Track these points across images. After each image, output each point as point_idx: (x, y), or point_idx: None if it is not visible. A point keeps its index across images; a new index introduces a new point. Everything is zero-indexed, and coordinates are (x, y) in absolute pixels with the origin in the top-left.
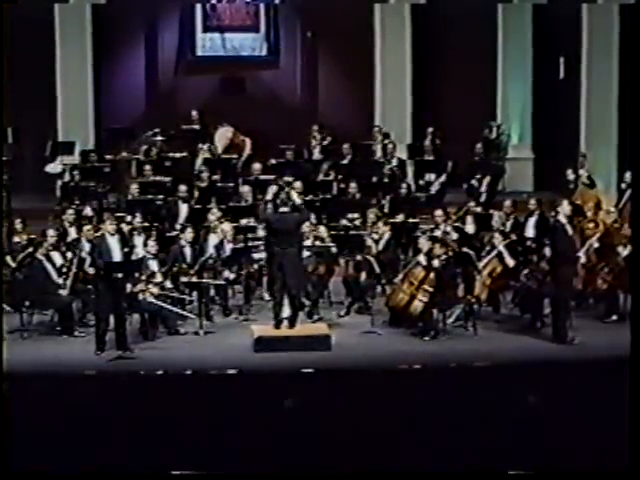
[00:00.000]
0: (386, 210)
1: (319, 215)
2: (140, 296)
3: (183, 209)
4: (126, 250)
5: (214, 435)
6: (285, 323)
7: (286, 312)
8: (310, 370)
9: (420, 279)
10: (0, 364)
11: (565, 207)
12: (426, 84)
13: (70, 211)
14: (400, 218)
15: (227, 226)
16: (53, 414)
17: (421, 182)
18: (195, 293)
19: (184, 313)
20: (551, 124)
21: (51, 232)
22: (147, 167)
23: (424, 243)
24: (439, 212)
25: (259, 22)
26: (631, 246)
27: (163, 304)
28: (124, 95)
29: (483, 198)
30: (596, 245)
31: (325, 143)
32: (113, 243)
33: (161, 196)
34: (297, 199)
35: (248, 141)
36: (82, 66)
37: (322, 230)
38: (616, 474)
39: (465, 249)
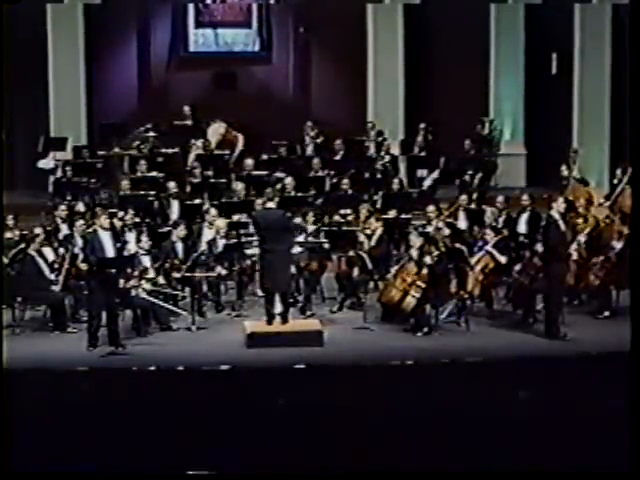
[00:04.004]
0: (378, 206)
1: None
2: (133, 292)
3: (174, 205)
4: (118, 246)
5: (207, 431)
6: (277, 319)
7: (278, 308)
8: (302, 366)
9: (413, 275)
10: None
11: (560, 204)
12: (419, 81)
13: (62, 207)
14: (392, 214)
15: (220, 222)
16: (45, 410)
17: (414, 178)
18: (188, 289)
19: (176, 309)
20: (543, 120)
21: (38, 229)
22: (142, 162)
23: (415, 239)
24: (431, 208)
25: (252, 18)
26: (631, 245)
27: (155, 300)
28: (117, 91)
29: (475, 194)
30: (583, 240)
31: (318, 141)
32: (106, 239)
33: (153, 192)
34: None
35: (240, 137)
36: (74, 62)
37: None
38: (612, 473)
39: (457, 245)
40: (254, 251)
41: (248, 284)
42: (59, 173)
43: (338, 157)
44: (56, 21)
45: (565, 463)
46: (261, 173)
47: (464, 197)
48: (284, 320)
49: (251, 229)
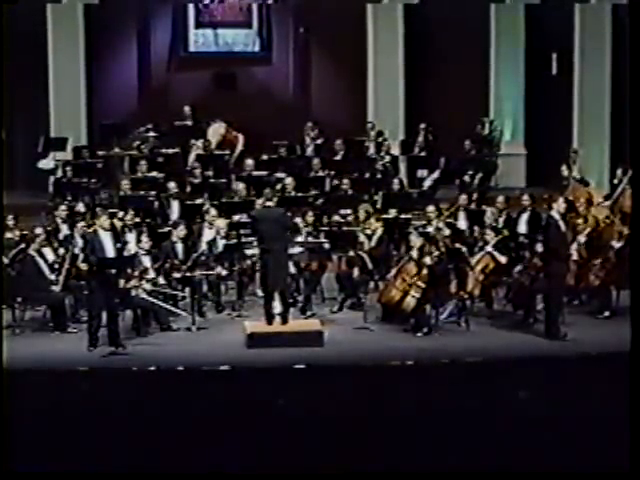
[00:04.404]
0: (378, 206)
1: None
2: (133, 292)
3: (175, 205)
4: (119, 246)
5: (207, 431)
6: (277, 319)
7: (278, 308)
8: (303, 366)
9: (413, 275)
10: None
11: (560, 204)
12: (419, 81)
13: (62, 207)
14: (393, 214)
15: (221, 222)
16: (45, 410)
17: (414, 178)
18: (188, 289)
19: (176, 310)
20: (544, 120)
21: (39, 229)
22: (142, 162)
23: (415, 239)
24: (431, 208)
25: (252, 18)
26: (631, 245)
27: (155, 300)
28: (117, 91)
29: (475, 194)
30: (583, 240)
31: (319, 142)
32: (106, 239)
33: (153, 192)
34: None
35: (241, 137)
36: (74, 62)
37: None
38: (612, 473)
39: (457, 245)
40: (254, 251)
41: (248, 284)
42: (59, 173)
43: (338, 157)
44: (56, 21)
45: (565, 463)
46: (261, 173)
47: (464, 197)
48: (284, 320)
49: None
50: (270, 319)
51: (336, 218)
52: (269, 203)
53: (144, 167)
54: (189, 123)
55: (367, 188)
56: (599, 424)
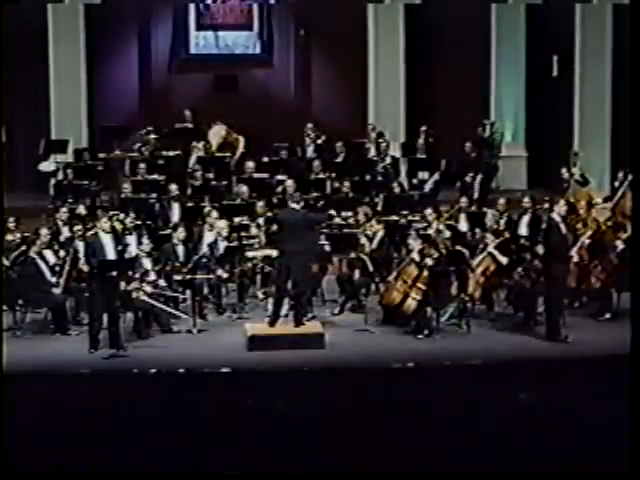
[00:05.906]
0: (379, 208)
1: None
2: (134, 294)
3: (175, 208)
4: (120, 248)
5: (207, 434)
6: (280, 321)
7: (284, 311)
8: (303, 368)
9: (413, 277)
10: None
11: (561, 206)
12: (420, 83)
13: (63, 209)
14: (393, 216)
15: (222, 223)
16: (46, 413)
17: (414, 180)
18: (189, 291)
19: (176, 312)
20: (544, 122)
21: (44, 230)
22: (142, 165)
23: (413, 242)
24: (429, 211)
25: (252, 20)
26: (631, 247)
27: (156, 302)
28: (117, 93)
29: (476, 196)
30: (587, 242)
31: (319, 142)
32: (107, 241)
33: (154, 195)
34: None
35: (241, 139)
36: (75, 64)
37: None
38: (612, 473)
39: (458, 247)
40: (256, 253)
41: (249, 286)
42: (60, 176)
43: (339, 159)
44: (57, 22)
45: (565, 463)
46: (262, 175)
47: (465, 199)
48: (298, 323)
49: (253, 231)
50: (274, 321)
51: (337, 220)
52: (294, 205)
53: (145, 169)
54: (190, 125)
55: (368, 190)
56: (599, 425)
